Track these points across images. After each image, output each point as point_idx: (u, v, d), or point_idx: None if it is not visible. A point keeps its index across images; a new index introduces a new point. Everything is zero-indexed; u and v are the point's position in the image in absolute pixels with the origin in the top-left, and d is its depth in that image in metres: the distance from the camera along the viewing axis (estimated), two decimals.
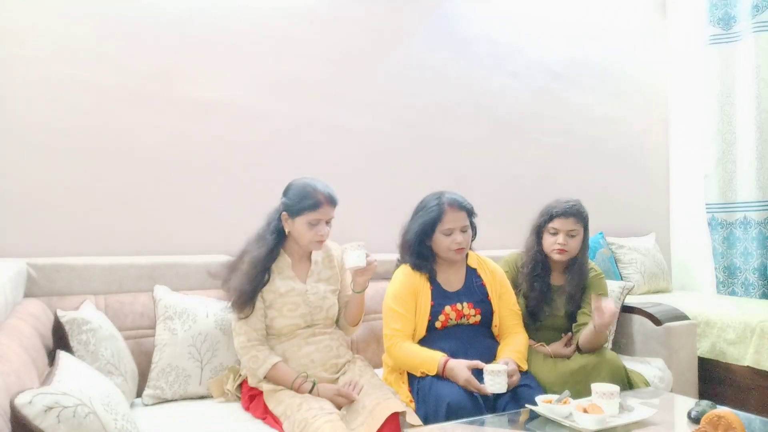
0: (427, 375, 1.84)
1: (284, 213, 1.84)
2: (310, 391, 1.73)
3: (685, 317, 2.64)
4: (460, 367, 1.79)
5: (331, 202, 1.83)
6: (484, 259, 2.16)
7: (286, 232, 1.86)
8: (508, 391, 1.77)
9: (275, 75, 2.60)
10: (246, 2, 2.54)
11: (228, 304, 1.85)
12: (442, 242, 2.00)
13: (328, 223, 1.85)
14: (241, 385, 1.88)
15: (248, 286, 1.79)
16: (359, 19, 2.84)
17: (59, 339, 1.71)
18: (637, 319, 2.63)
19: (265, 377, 1.77)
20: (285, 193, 1.87)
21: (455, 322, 2.00)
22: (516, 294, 2.21)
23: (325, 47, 2.73)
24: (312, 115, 2.69)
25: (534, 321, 2.18)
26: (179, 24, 2.39)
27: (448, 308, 1.99)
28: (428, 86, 3.03)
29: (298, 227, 1.82)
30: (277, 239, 1.85)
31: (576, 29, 3.59)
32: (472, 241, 2.12)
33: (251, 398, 1.80)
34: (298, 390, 1.73)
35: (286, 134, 2.63)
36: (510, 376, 1.78)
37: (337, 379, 1.85)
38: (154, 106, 2.34)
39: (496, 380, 1.73)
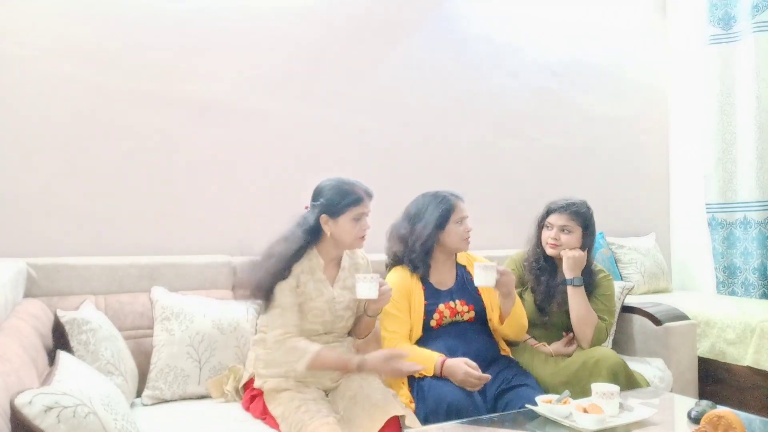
0: (425, 375, 1.85)
1: (324, 215, 1.79)
2: (358, 367, 1.71)
3: (685, 317, 2.64)
4: (458, 364, 1.80)
5: (370, 194, 1.84)
6: (473, 256, 2.19)
7: (328, 234, 1.81)
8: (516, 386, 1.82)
9: (275, 75, 2.60)
10: (246, 2, 2.55)
11: (253, 299, 1.80)
12: (455, 231, 2.03)
13: (367, 216, 1.84)
14: (244, 385, 1.87)
15: (269, 280, 1.74)
16: (359, 19, 2.84)
17: (59, 339, 1.71)
18: (637, 319, 2.63)
19: (306, 367, 1.69)
20: (318, 196, 1.82)
21: (450, 320, 2.01)
22: (522, 291, 2.25)
23: (325, 47, 2.73)
24: (312, 115, 2.69)
25: (542, 316, 2.19)
26: (179, 24, 2.40)
27: (441, 306, 2.00)
28: (428, 86, 3.03)
29: (342, 225, 1.79)
30: (308, 240, 1.81)
31: (576, 29, 3.59)
32: None
33: (252, 398, 1.79)
34: (346, 367, 1.73)
35: (286, 134, 2.63)
36: (501, 274, 1.88)
37: (338, 383, 1.83)
38: (154, 106, 2.34)
39: (483, 273, 1.82)
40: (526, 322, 2.08)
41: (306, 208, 1.87)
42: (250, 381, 1.84)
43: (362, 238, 1.84)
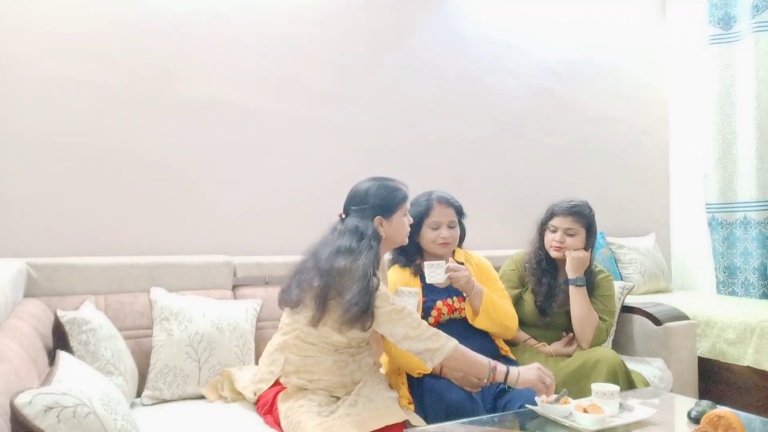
0: (425, 375, 1.85)
1: (378, 217, 1.74)
2: (506, 379, 1.65)
3: (685, 317, 2.64)
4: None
5: (408, 190, 1.86)
6: (470, 254, 2.20)
7: (383, 236, 1.76)
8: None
9: (275, 75, 2.60)
10: (246, 2, 2.55)
11: (343, 322, 1.64)
12: (428, 236, 2.03)
13: None
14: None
15: (365, 302, 1.61)
16: (359, 19, 2.84)
17: (59, 339, 1.71)
18: (637, 319, 2.63)
19: (445, 357, 1.62)
20: (364, 199, 1.75)
21: (448, 317, 2.02)
22: (522, 292, 2.25)
23: (325, 47, 2.73)
24: (312, 115, 2.69)
25: (542, 317, 2.19)
26: (179, 24, 2.40)
27: (439, 303, 2.01)
28: (428, 86, 3.03)
29: (396, 223, 1.77)
30: (379, 246, 1.73)
31: (576, 29, 3.59)
32: (461, 241, 2.15)
33: (266, 401, 1.74)
34: (484, 371, 1.64)
35: (286, 134, 2.63)
36: (453, 270, 1.88)
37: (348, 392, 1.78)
38: (154, 106, 2.34)
39: (433, 271, 1.85)
40: (506, 320, 2.02)
41: (340, 216, 1.80)
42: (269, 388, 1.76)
43: (408, 233, 1.84)
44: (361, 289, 1.61)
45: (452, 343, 1.63)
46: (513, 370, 1.67)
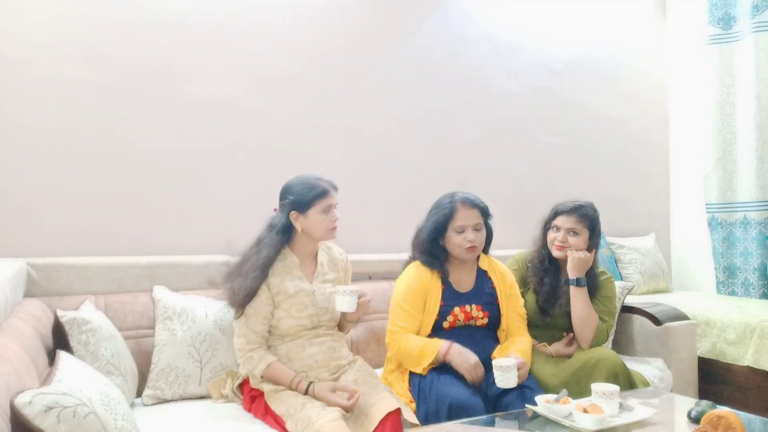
0: (429, 372, 1.85)
1: (293, 212, 1.83)
2: (306, 391, 1.72)
3: (685, 317, 2.64)
4: (468, 352, 1.82)
5: (335, 186, 1.89)
6: (494, 261, 2.15)
7: (299, 230, 1.85)
8: (516, 387, 1.79)
9: (276, 75, 2.60)
10: (246, 2, 2.54)
11: (227, 303, 1.85)
12: (454, 240, 1.99)
13: (335, 208, 1.88)
14: (241, 386, 1.87)
15: (254, 284, 1.79)
16: (359, 19, 2.84)
17: (59, 339, 1.71)
18: (637, 319, 2.63)
19: (262, 377, 1.78)
20: (286, 194, 1.87)
21: (463, 324, 2.00)
22: (524, 291, 2.24)
23: (325, 47, 2.73)
24: (312, 115, 2.69)
25: (544, 317, 2.19)
26: (179, 24, 2.39)
27: (457, 309, 1.98)
28: (428, 86, 3.03)
29: (312, 219, 1.83)
30: (281, 242, 1.85)
31: (576, 29, 3.59)
32: (489, 243, 2.11)
33: (252, 399, 1.79)
34: (296, 389, 1.74)
35: (286, 134, 2.63)
36: (518, 368, 1.78)
37: (337, 379, 1.85)
38: (154, 106, 2.34)
39: (505, 376, 1.72)
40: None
41: (275, 210, 1.91)
42: (246, 381, 1.85)
43: (333, 229, 1.88)
44: (242, 283, 1.77)
45: (261, 366, 1.76)
46: (315, 389, 1.71)
